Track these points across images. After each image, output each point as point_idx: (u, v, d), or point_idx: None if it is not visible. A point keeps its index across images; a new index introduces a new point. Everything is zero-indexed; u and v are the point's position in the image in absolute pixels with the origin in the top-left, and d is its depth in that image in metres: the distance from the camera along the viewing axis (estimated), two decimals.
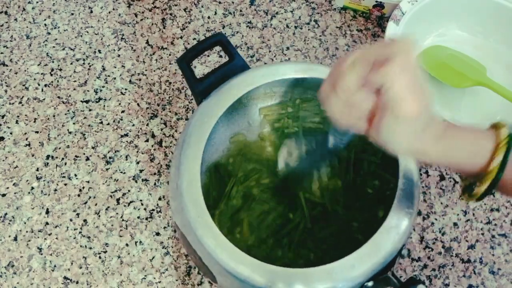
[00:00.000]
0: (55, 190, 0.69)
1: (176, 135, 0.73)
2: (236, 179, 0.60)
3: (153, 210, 0.68)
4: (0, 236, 0.66)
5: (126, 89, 0.76)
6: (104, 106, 0.75)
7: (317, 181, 0.61)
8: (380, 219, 0.57)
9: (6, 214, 0.67)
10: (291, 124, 0.62)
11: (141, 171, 0.70)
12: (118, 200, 0.68)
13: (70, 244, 0.66)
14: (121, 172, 0.70)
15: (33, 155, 0.71)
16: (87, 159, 0.71)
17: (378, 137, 0.39)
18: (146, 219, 0.67)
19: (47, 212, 0.68)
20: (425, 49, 0.79)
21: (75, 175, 0.70)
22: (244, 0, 0.84)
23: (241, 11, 0.83)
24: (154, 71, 0.78)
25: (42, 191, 0.69)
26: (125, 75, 0.77)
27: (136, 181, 0.70)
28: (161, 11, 0.83)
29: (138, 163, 0.71)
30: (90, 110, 0.74)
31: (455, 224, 0.68)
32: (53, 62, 0.78)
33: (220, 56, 0.79)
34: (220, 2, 0.84)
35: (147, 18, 0.82)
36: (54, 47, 0.79)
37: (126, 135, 0.73)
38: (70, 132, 0.73)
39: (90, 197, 0.69)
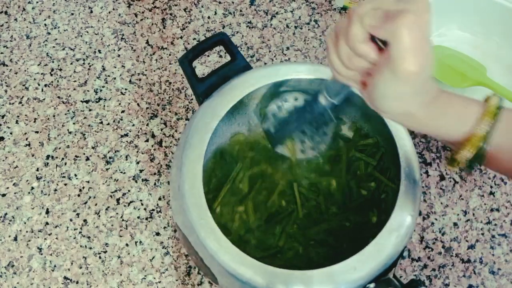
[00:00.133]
0: (55, 190, 0.69)
1: (176, 135, 0.73)
2: (243, 164, 0.61)
3: (153, 210, 0.68)
4: (0, 236, 0.66)
5: (126, 89, 0.76)
6: (104, 106, 0.75)
7: (312, 175, 0.61)
8: (373, 223, 0.57)
9: (6, 214, 0.67)
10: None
11: (141, 171, 0.70)
12: (118, 200, 0.68)
13: (70, 244, 0.66)
14: (121, 172, 0.70)
15: (33, 155, 0.71)
16: (87, 159, 0.71)
17: (371, 94, 0.39)
18: (146, 219, 0.67)
19: (47, 212, 0.68)
20: None
21: (75, 175, 0.70)
22: (244, 0, 0.84)
23: (241, 11, 0.83)
24: (154, 71, 0.78)
25: (42, 191, 0.69)
26: (125, 75, 0.77)
27: (136, 181, 0.70)
28: (161, 11, 0.83)
29: (138, 163, 0.71)
30: (90, 110, 0.74)
31: (455, 224, 0.68)
32: (53, 62, 0.78)
33: (220, 56, 0.79)
34: (220, 2, 0.84)
35: (147, 18, 0.82)
36: (54, 47, 0.79)
37: (126, 135, 0.73)
38: (70, 132, 0.73)
39: (90, 197, 0.69)
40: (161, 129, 0.73)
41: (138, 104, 0.75)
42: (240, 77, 0.55)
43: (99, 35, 0.80)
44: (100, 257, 0.65)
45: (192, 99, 0.75)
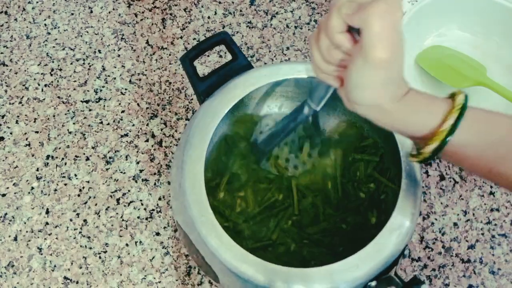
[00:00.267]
0: (55, 190, 0.69)
1: (176, 135, 0.73)
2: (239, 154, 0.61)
3: (153, 210, 0.68)
4: (0, 236, 0.66)
5: (126, 89, 0.76)
6: (104, 106, 0.75)
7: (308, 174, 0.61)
8: (372, 224, 0.57)
9: (6, 214, 0.67)
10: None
11: (141, 171, 0.70)
12: (118, 200, 0.68)
13: (70, 244, 0.66)
14: (121, 172, 0.70)
15: (33, 155, 0.71)
16: (87, 159, 0.71)
17: (346, 86, 0.40)
18: (146, 219, 0.67)
19: (47, 212, 0.68)
20: (425, 49, 0.79)
21: (75, 175, 0.70)
22: (244, 0, 0.84)
23: (241, 11, 0.83)
24: (154, 71, 0.78)
25: (42, 191, 0.69)
26: (125, 75, 0.77)
27: (136, 181, 0.70)
28: (161, 11, 0.83)
29: (138, 163, 0.71)
30: (90, 110, 0.74)
31: (455, 224, 0.68)
32: (53, 62, 0.78)
33: (220, 56, 0.79)
34: (220, 2, 0.84)
35: (147, 18, 0.82)
36: (54, 47, 0.79)
37: (126, 135, 0.73)
38: (70, 132, 0.73)
39: (90, 197, 0.69)
40: (161, 129, 0.73)
41: (138, 104, 0.75)
42: (241, 76, 0.55)
43: (99, 35, 0.80)
44: (100, 257, 0.65)
45: (192, 99, 0.75)
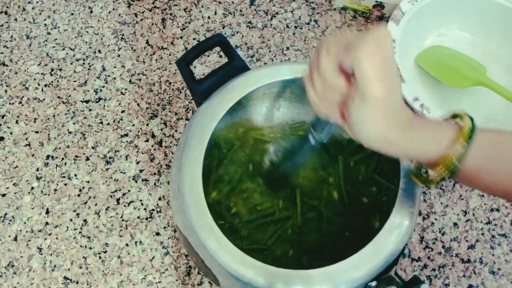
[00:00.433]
0: (55, 190, 0.69)
1: (176, 135, 0.73)
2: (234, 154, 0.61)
3: (153, 210, 0.68)
4: (0, 236, 0.66)
5: (126, 89, 0.76)
6: (104, 106, 0.75)
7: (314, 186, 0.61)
8: (375, 229, 0.57)
9: (6, 214, 0.67)
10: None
11: (141, 171, 0.70)
12: (118, 200, 0.68)
13: (70, 244, 0.66)
14: (121, 172, 0.70)
15: (33, 155, 0.71)
16: (87, 159, 0.71)
17: (348, 123, 0.40)
18: (146, 219, 0.67)
19: (47, 212, 0.68)
20: (425, 49, 0.79)
21: (75, 175, 0.70)
22: (244, 0, 0.84)
23: (241, 11, 0.83)
24: (154, 71, 0.78)
25: (42, 191, 0.69)
26: (125, 75, 0.77)
27: (136, 181, 0.70)
28: (161, 11, 0.83)
29: (138, 163, 0.71)
30: (90, 110, 0.74)
31: (455, 224, 0.68)
32: (53, 62, 0.78)
33: (220, 56, 0.79)
34: (220, 2, 0.84)
35: (147, 18, 0.82)
36: (54, 47, 0.79)
37: (126, 135, 0.73)
38: (70, 132, 0.73)
39: (90, 197, 0.69)
40: (161, 129, 0.73)
41: (138, 104, 0.75)
42: (239, 77, 0.55)
43: (99, 35, 0.80)
44: (100, 257, 0.65)
45: (192, 99, 0.75)
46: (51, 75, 0.77)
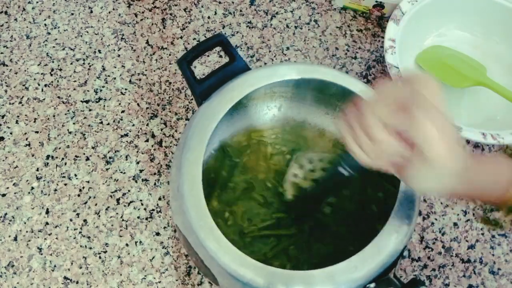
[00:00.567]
0: (55, 190, 0.69)
1: (176, 135, 0.73)
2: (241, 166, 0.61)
3: (153, 210, 0.68)
4: (0, 236, 0.66)
5: (126, 89, 0.76)
6: (104, 106, 0.75)
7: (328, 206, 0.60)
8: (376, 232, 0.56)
9: (6, 214, 0.67)
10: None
11: (141, 171, 0.70)
12: (118, 200, 0.68)
13: (70, 244, 0.66)
14: (121, 172, 0.70)
15: (33, 155, 0.71)
16: (87, 159, 0.71)
17: (408, 182, 0.40)
18: (146, 219, 0.67)
19: (47, 212, 0.68)
20: (425, 49, 0.79)
21: (75, 175, 0.70)
22: (244, 0, 0.84)
23: (241, 11, 0.83)
24: (154, 71, 0.78)
25: (42, 191, 0.69)
26: (125, 75, 0.77)
27: (136, 181, 0.70)
28: (161, 11, 0.83)
29: (138, 163, 0.71)
30: (90, 110, 0.74)
31: (455, 224, 0.68)
32: (53, 62, 0.78)
33: (220, 56, 0.79)
34: (220, 2, 0.84)
35: (147, 18, 0.82)
36: (54, 47, 0.79)
37: (126, 135, 0.73)
38: (70, 132, 0.73)
39: (90, 197, 0.69)
40: (161, 129, 0.73)
41: (138, 104, 0.75)
42: (239, 77, 0.55)
43: (99, 35, 0.80)
44: (100, 257, 0.65)
45: (192, 99, 0.75)
46: (51, 75, 0.77)
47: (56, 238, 0.66)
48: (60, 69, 0.77)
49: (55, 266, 0.65)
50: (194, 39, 0.80)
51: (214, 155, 0.61)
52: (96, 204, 0.68)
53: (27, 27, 0.81)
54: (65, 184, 0.69)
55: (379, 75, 0.78)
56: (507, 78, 0.75)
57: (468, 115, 0.74)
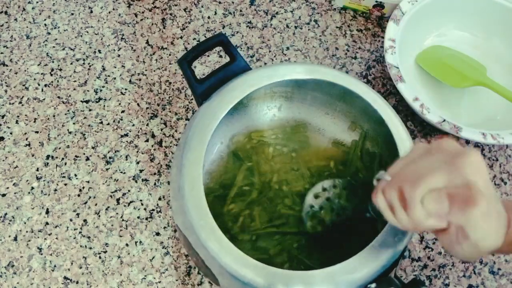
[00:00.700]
0: (55, 190, 0.69)
1: (176, 135, 0.73)
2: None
3: (153, 210, 0.68)
4: (0, 236, 0.66)
5: (126, 89, 0.76)
6: (104, 106, 0.75)
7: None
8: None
9: (6, 214, 0.67)
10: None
11: (141, 171, 0.70)
12: (118, 200, 0.68)
13: (70, 244, 0.66)
14: (121, 172, 0.70)
15: (33, 155, 0.71)
16: (87, 159, 0.71)
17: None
18: (146, 219, 0.67)
19: (47, 212, 0.68)
20: (425, 49, 0.79)
21: (75, 175, 0.70)
22: (244, 0, 0.84)
23: (241, 11, 0.83)
24: (154, 71, 0.78)
25: (42, 191, 0.69)
26: (125, 75, 0.77)
27: (136, 181, 0.70)
28: (161, 11, 0.83)
29: (138, 163, 0.71)
30: (90, 110, 0.74)
31: None
32: (53, 62, 0.78)
33: (220, 56, 0.79)
34: (220, 2, 0.84)
35: (147, 18, 0.82)
36: (54, 47, 0.79)
37: (126, 135, 0.73)
38: (70, 132, 0.73)
39: (90, 197, 0.69)
40: (161, 129, 0.73)
41: (138, 104, 0.75)
42: (240, 78, 0.55)
43: (99, 35, 0.80)
44: (100, 257, 0.65)
45: (192, 99, 0.75)
46: (51, 75, 0.77)
47: (56, 238, 0.66)
48: (60, 69, 0.77)
49: (55, 266, 0.64)
50: (194, 39, 0.80)
51: (225, 159, 0.61)
52: (96, 204, 0.68)
53: (27, 27, 0.81)
54: (65, 184, 0.69)
55: (379, 75, 0.78)
56: (507, 78, 0.75)
57: (468, 115, 0.74)
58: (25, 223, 0.67)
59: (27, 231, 0.66)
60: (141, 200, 0.68)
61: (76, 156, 0.71)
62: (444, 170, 0.37)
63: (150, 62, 0.78)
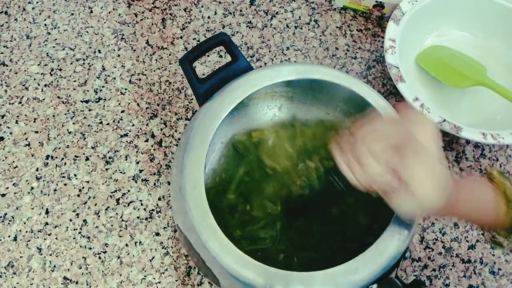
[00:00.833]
0: (55, 190, 0.69)
1: (176, 135, 0.73)
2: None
3: (152, 210, 0.68)
4: (0, 236, 0.66)
5: (126, 89, 0.76)
6: (104, 106, 0.75)
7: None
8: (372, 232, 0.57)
9: (6, 214, 0.67)
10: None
11: (140, 171, 0.70)
12: (117, 200, 0.68)
13: (69, 244, 0.66)
14: (121, 172, 0.70)
15: (32, 155, 0.71)
16: (87, 159, 0.71)
17: (392, 205, 0.42)
18: (146, 219, 0.67)
19: (47, 212, 0.67)
20: (425, 49, 0.79)
21: (75, 175, 0.70)
22: (244, 0, 0.84)
23: (241, 11, 0.83)
24: (154, 71, 0.78)
25: (41, 191, 0.69)
26: (125, 75, 0.77)
27: (135, 181, 0.70)
28: (161, 11, 0.83)
29: (137, 163, 0.71)
30: (90, 110, 0.74)
31: (455, 224, 0.68)
32: (53, 62, 0.78)
33: (220, 56, 0.79)
34: (220, 2, 0.84)
35: (147, 18, 0.82)
36: (54, 47, 0.79)
37: (126, 135, 0.73)
38: (69, 132, 0.73)
39: (89, 197, 0.68)
40: (161, 129, 0.73)
41: (138, 104, 0.75)
42: (241, 78, 0.55)
43: (99, 35, 0.80)
44: (99, 257, 0.65)
45: (192, 99, 0.75)
46: (51, 75, 0.77)
47: (56, 238, 0.66)
48: (60, 69, 0.77)
49: (54, 266, 0.64)
50: (194, 39, 0.80)
51: (226, 154, 0.61)
52: (95, 204, 0.68)
53: (27, 27, 0.81)
54: (65, 184, 0.69)
55: (379, 75, 0.78)
56: (507, 78, 0.75)
57: (468, 115, 0.74)
58: (24, 223, 0.67)
59: (26, 231, 0.66)
60: (140, 200, 0.68)
61: (75, 156, 0.71)
62: (398, 129, 0.39)
63: (150, 62, 0.78)
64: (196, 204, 0.48)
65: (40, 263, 0.65)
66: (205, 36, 0.81)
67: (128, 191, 0.69)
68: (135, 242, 0.66)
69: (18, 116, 0.74)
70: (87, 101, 0.75)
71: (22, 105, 0.74)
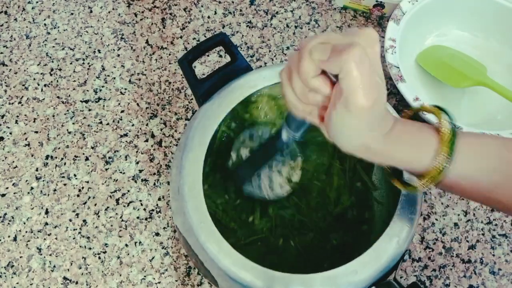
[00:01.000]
0: (55, 190, 0.69)
1: (175, 135, 0.73)
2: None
3: (152, 210, 0.68)
4: (0, 236, 0.66)
5: (125, 89, 0.76)
6: (104, 106, 0.75)
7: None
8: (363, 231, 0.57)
9: (5, 214, 0.67)
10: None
11: (140, 171, 0.70)
12: (117, 200, 0.68)
13: (69, 245, 0.66)
14: (121, 172, 0.70)
15: (32, 155, 0.71)
16: (87, 159, 0.71)
17: (328, 128, 0.39)
18: (146, 219, 0.67)
19: (47, 212, 0.67)
20: (425, 49, 0.79)
21: (75, 175, 0.70)
22: (244, 0, 0.84)
23: (241, 10, 0.83)
24: (154, 71, 0.77)
25: (41, 191, 0.69)
26: (125, 75, 0.77)
27: (135, 181, 0.69)
28: (161, 11, 0.83)
29: (137, 163, 0.71)
30: (89, 110, 0.74)
31: (455, 224, 0.68)
32: (52, 62, 0.78)
33: (220, 56, 0.79)
34: (220, 2, 0.84)
35: (147, 18, 0.82)
36: (54, 47, 0.79)
37: (126, 135, 0.73)
38: (69, 132, 0.73)
39: (89, 197, 0.68)
40: (161, 129, 0.73)
41: (137, 104, 0.75)
42: (241, 78, 0.55)
43: (98, 35, 0.80)
44: (99, 258, 0.65)
45: (192, 99, 0.75)
46: (51, 75, 0.77)
47: (56, 239, 0.66)
48: (60, 69, 0.77)
49: (54, 266, 0.64)
50: (194, 38, 0.80)
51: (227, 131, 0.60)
52: (95, 204, 0.68)
53: (27, 27, 0.81)
54: (65, 184, 0.69)
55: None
56: (507, 78, 0.75)
57: (468, 115, 0.73)
58: (24, 223, 0.67)
59: (26, 231, 0.66)
60: (140, 200, 0.68)
61: (75, 156, 0.71)
62: (340, 38, 0.36)
63: (150, 62, 0.78)
64: (194, 206, 0.48)
65: (40, 263, 0.65)
66: (205, 36, 0.80)
67: (128, 191, 0.69)
68: (135, 242, 0.66)
69: (18, 116, 0.74)
70: (86, 101, 0.75)
71: (22, 105, 0.74)
